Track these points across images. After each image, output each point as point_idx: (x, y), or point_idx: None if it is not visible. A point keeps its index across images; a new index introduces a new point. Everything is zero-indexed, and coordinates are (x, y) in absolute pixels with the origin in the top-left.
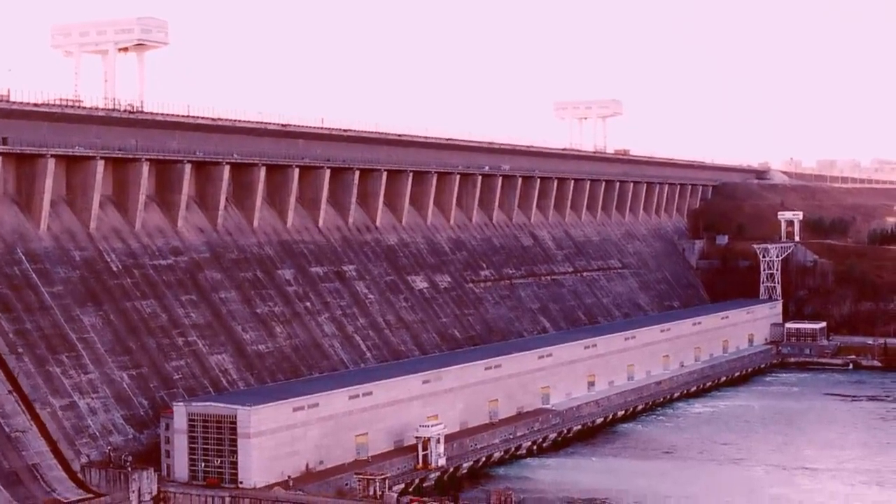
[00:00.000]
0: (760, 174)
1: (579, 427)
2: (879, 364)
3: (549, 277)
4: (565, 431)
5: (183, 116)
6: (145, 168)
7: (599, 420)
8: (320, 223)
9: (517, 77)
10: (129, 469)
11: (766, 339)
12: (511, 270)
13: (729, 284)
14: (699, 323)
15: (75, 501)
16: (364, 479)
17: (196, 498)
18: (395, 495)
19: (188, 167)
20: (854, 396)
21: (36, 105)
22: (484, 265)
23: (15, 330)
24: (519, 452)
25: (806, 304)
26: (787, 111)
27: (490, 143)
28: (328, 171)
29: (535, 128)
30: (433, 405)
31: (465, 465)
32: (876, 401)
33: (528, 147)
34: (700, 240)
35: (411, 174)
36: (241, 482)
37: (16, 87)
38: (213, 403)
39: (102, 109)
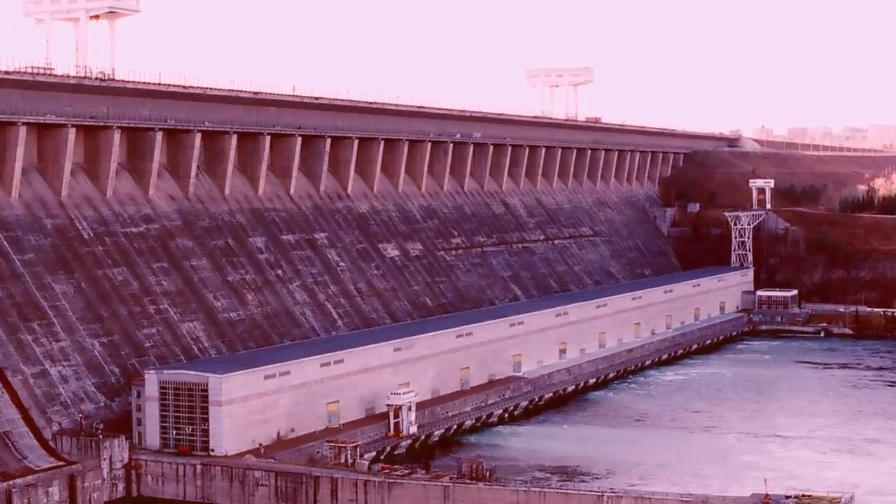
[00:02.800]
0: (732, 142)
1: (551, 395)
2: (851, 332)
3: (520, 245)
4: (537, 399)
5: (154, 84)
6: (117, 136)
7: (571, 388)
8: (291, 191)
9: (489, 44)
10: (101, 437)
11: (737, 307)
12: (482, 238)
13: (700, 252)
14: (670, 291)
15: (46, 469)
16: (335, 446)
17: (167, 465)
18: (367, 463)
19: (159, 135)
20: (825, 364)
21: (7, 73)
22: (455, 233)
23: None
24: (490, 420)
25: (777, 272)
26: (759, 79)
27: (461, 111)
28: (299, 139)
29: (507, 95)
30: (404, 373)
31: (437, 432)
32: (847, 368)
33: (499, 115)
34: (671, 207)
35: (382, 142)
36: (212, 450)
37: None
38: (184, 371)
39: (74, 77)
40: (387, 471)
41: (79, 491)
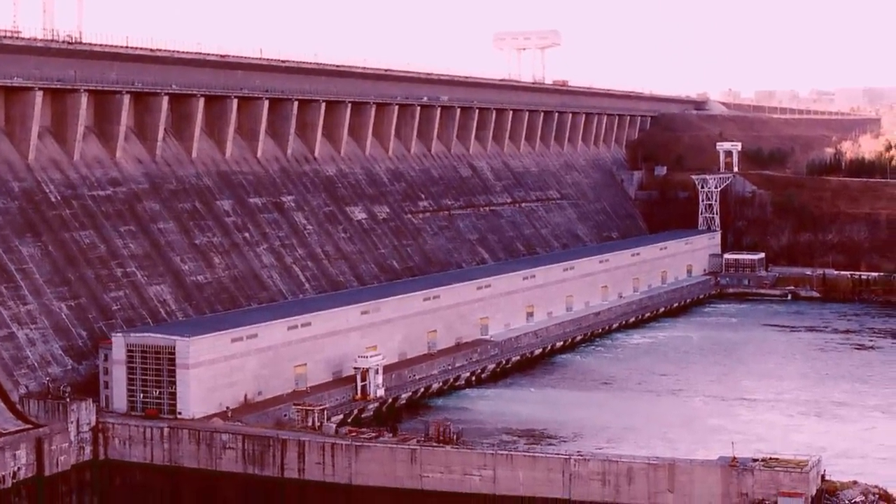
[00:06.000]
0: (699, 105)
1: (518, 358)
2: (818, 295)
3: (487, 208)
4: (504, 362)
5: (122, 47)
6: (84, 99)
7: (538, 351)
8: (259, 154)
9: (456, 7)
10: (68, 400)
11: (704, 270)
12: (450, 201)
13: (667, 215)
14: (638, 254)
15: (13, 432)
16: (302, 409)
17: (135, 429)
18: (334, 426)
19: (127, 98)
20: (792, 327)
21: None
22: (423, 196)
23: None
24: (457, 383)
25: (744, 235)
26: (726, 42)
27: (429, 74)
28: (266, 102)
29: (474, 59)
30: (372, 336)
31: (404, 396)
32: (814, 331)
33: (466, 78)
34: (639, 171)
35: (350, 105)
36: (179, 413)
37: None
38: (151, 334)
39: (41, 40)
40: (354, 434)
41: (46, 454)
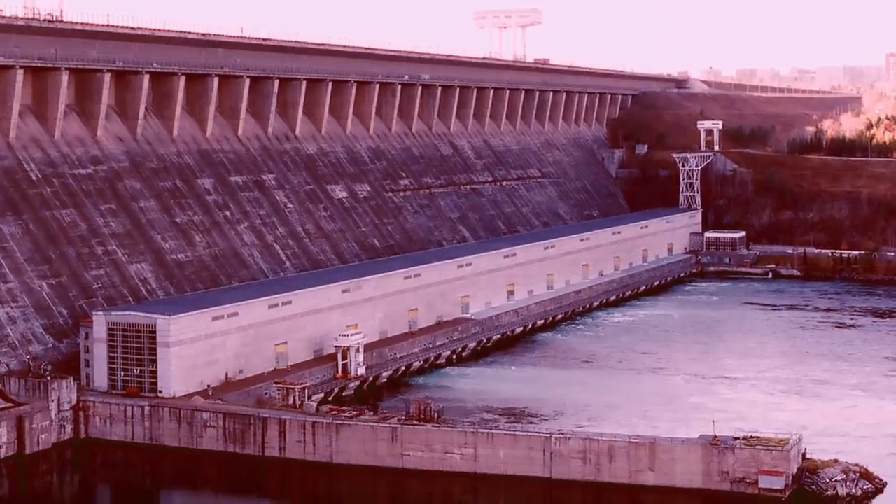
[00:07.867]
0: (680, 83)
1: (499, 336)
2: (798, 273)
3: (468, 187)
4: (485, 341)
5: (103, 26)
6: (65, 77)
7: (519, 329)
8: (240, 132)
9: None
10: (49, 378)
11: (685, 249)
12: (431, 180)
13: (648, 194)
14: (619, 232)
15: None
16: (283, 388)
17: (115, 407)
18: (315, 404)
19: (108, 76)
20: (773, 306)
21: None
22: (403, 174)
23: None
24: (438, 362)
25: (725, 214)
26: (707, 20)
27: (410, 53)
28: (247, 81)
29: (455, 37)
30: (353, 314)
31: (385, 374)
32: (795, 310)
33: (447, 56)
34: (620, 149)
35: (331, 83)
36: (160, 391)
37: None
38: (132, 312)
39: (22, 19)
40: (335, 412)
41: (27, 432)
